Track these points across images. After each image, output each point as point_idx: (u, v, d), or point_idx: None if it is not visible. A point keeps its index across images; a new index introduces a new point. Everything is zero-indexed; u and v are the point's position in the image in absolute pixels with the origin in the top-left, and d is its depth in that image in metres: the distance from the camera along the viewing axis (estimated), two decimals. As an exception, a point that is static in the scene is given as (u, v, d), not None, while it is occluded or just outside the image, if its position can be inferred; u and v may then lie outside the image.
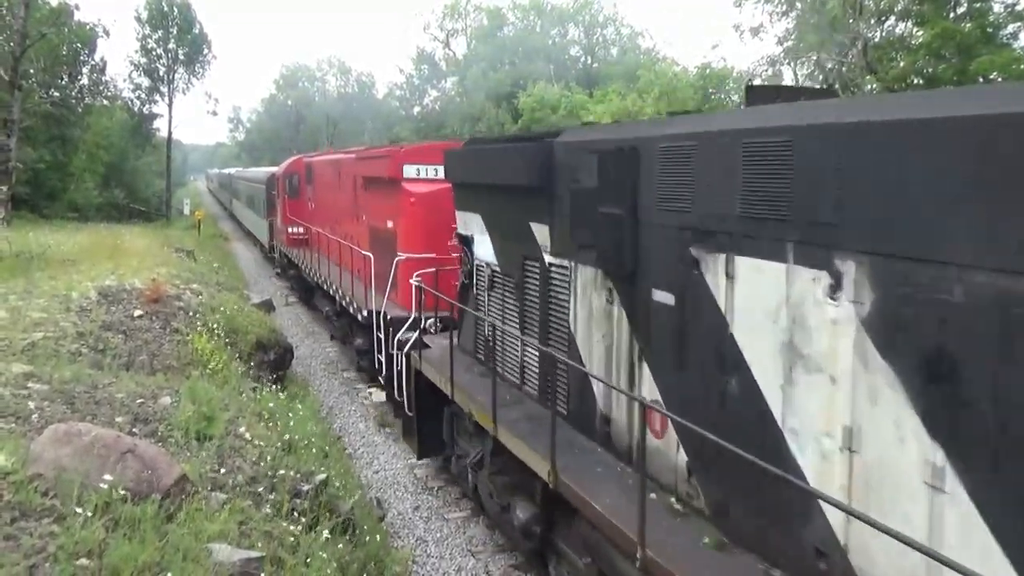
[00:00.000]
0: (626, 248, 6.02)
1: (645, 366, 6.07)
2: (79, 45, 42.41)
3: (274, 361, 14.04)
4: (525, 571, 8.59)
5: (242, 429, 7.73)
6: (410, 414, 10.99)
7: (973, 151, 3.34)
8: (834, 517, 4.14)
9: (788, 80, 38.31)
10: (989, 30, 23.11)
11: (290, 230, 24.69)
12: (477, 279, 9.67)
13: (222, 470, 6.59)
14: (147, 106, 54.41)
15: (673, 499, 5.62)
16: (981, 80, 23.74)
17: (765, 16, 31.00)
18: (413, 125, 66.39)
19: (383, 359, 12.86)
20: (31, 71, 36.20)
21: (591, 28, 61.33)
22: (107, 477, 5.02)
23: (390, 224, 14.45)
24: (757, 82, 38.10)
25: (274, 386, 12.46)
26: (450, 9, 63.70)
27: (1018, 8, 23.23)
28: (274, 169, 31.79)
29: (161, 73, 54.09)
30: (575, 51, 61.99)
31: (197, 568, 4.67)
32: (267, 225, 31.56)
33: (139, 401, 7.67)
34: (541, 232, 7.73)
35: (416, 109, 70.58)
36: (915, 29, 26.06)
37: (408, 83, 70.82)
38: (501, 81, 52.56)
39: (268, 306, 19.63)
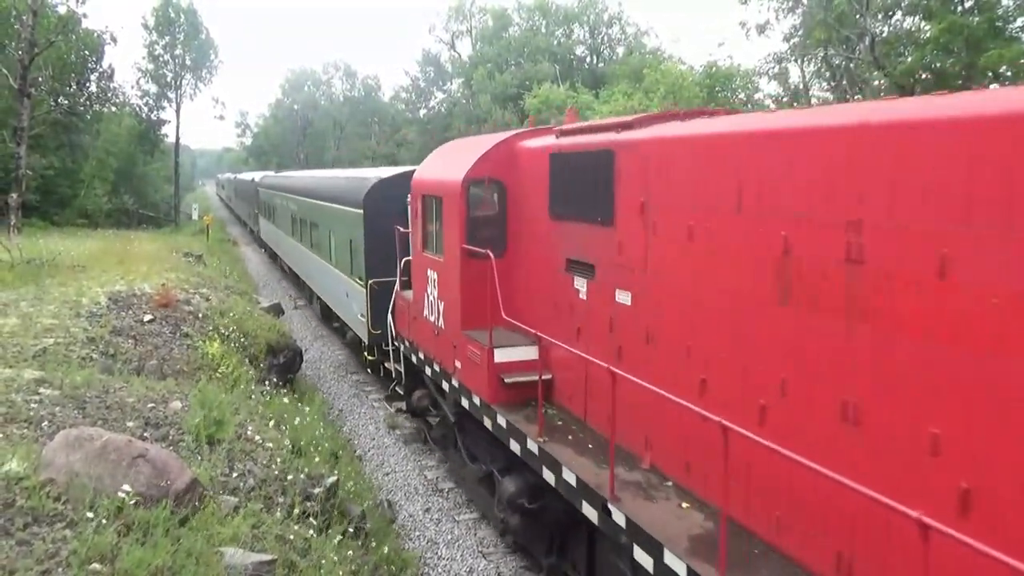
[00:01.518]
0: None
1: None
2: (87, 52, 42.69)
3: (284, 364, 14.07)
4: (536, 572, 8.57)
5: (252, 433, 7.74)
6: None
7: None
8: None
9: (795, 77, 38.24)
10: (998, 24, 22.96)
11: (501, 355, 8.23)
12: None
13: (233, 474, 6.59)
14: (155, 112, 54.77)
15: None
16: (990, 75, 23.60)
17: (771, 13, 30.90)
18: (419, 127, 66.57)
19: None
20: (40, 79, 36.43)
21: (596, 28, 61.27)
22: (119, 483, 5.03)
23: None
24: (763, 81, 38.03)
25: (284, 389, 12.47)
26: (455, 11, 63.79)
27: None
28: (390, 172, 16.42)
29: (168, 79, 54.42)
30: (580, 51, 61.96)
31: (210, 572, 4.67)
32: (363, 296, 14.73)
33: (150, 405, 7.69)
34: None
35: (422, 111, 70.71)
36: (923, 24, 25.92)
37: (414, 86, 70.95)
38: (507, 82, 52.58)
39: (277, 310, 19.66)
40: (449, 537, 9.56)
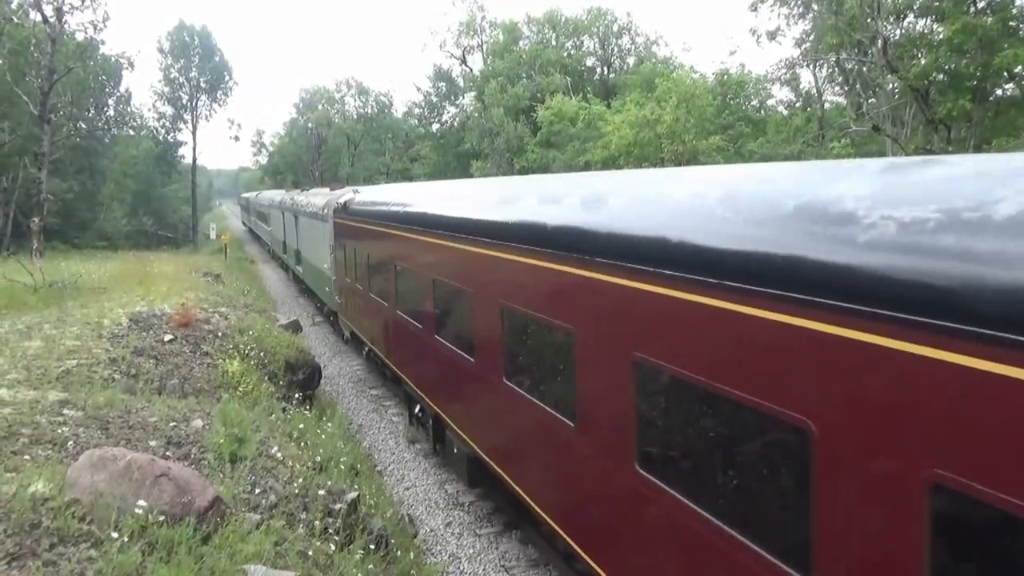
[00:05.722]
0: None
1: None
2: (104, 78, 43.44)
3: (303, 381, 14.13)
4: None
5: (274, 449, 7.77)
6: None
7: None
8: None
9: (806, 82, 38.10)
10: (1012, 24, 22.77)
11: None
12: None
13: (256, 491, 6.62)
14: (171, 134, 55.54)
15: None
16: (1006, 75, 23.40)
17: (781, 19, 30.80)
18: (433, 142, 66.91)
19: None
20: (59, 105, 37.10)
21: (606, 39, 61.39)
22: (142, 501, 5.07)
23: None
24: (776, 87, 37.90)
25: (304, 405, 12.52)
26: (466, 27, 64.19)
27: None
28: None
29: (184, 101, 55.22)
30: (591, 62, 62.07)
31: (233, 590, 4.69)
32: None
33: (172, 424, 7.75)
34: None
35: (435, 126, 71.07)
36: (935, 25, 25.74)
37: (426, 101, 71.37)
38: (519, 95, 52.76)
39: (295, 326, 19.78)
40: (471, 551, 9.52)
